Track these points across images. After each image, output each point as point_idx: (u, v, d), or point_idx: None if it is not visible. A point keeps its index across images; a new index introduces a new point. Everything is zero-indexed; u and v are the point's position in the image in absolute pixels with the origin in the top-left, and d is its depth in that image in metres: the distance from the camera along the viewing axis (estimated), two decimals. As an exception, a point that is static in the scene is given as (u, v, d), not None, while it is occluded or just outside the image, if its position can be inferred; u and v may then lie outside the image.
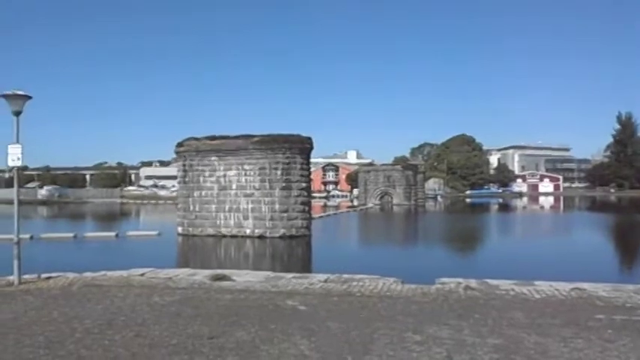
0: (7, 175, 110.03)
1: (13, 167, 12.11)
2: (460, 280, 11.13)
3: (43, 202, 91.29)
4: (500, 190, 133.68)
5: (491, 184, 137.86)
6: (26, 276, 11.96)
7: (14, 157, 11.74)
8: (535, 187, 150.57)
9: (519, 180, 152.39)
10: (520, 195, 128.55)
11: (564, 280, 11.01)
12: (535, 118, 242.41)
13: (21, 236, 12.15)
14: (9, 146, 11.74)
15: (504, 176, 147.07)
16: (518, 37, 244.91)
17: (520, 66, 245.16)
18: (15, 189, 12.81)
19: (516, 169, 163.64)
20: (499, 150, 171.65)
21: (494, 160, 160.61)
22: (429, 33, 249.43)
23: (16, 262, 11.59)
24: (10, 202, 13.75)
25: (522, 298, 9.68)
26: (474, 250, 29.91)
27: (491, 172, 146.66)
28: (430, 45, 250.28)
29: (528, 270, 15.64)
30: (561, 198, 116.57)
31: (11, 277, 11.71)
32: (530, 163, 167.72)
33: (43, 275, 12.41)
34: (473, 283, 10.91)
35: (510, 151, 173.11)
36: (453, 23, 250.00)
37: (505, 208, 78.44)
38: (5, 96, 11.45)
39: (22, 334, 7.50)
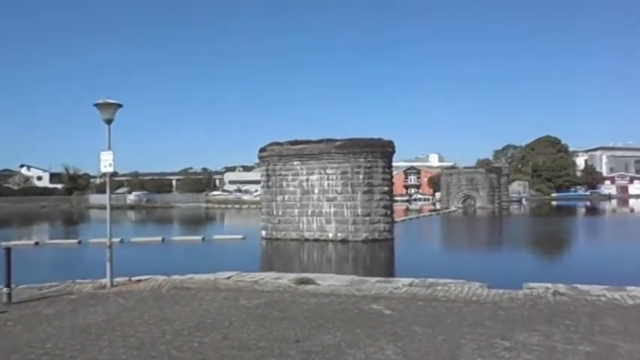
0: (98, 181, 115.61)
1: (105, 173, 12.59)
2: (548, 285, 10.91)
3: (132, 207, 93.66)
4: (587, 193, 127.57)
5: (578, 187, 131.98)
6: (118, 279, 12.39)
7: (106, 163, 12.18)
8: (625, 189, 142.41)
9: (608, 182, 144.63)
10: (609, 197, 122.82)
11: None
12: (624, 118, 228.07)
13: (112, 240, 12.61)
14: (101, 153, 12.18)
15: (592, 178, 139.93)
16: (604, 36, 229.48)
17: (605, 65, 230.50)
18: (107, 195, 13.35)
19: (604, 170, 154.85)
20: (586, 151, 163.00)
21: (580, 161, 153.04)
22: (511, 34, 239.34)
23: (108, 265, 12.02)
24: (103, 207, 14.35)
25: (615, 304, 9.38)
26: (562, 254, 28.69)
27: (578, 174, 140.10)
28: (513, 46, 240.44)
29: (620, 275, 15.09)
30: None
31: (104, 280, 12.14)
32: (619, 165, 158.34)
33: (134, 278, 12.82)
34: (562, 288, 10.64)
35: (598, 152, 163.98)
36: (535, 24, 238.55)
37: (593, 211, 75.22)
38: (97, 105, 11.93)
39: (115, 335, 7.71)
